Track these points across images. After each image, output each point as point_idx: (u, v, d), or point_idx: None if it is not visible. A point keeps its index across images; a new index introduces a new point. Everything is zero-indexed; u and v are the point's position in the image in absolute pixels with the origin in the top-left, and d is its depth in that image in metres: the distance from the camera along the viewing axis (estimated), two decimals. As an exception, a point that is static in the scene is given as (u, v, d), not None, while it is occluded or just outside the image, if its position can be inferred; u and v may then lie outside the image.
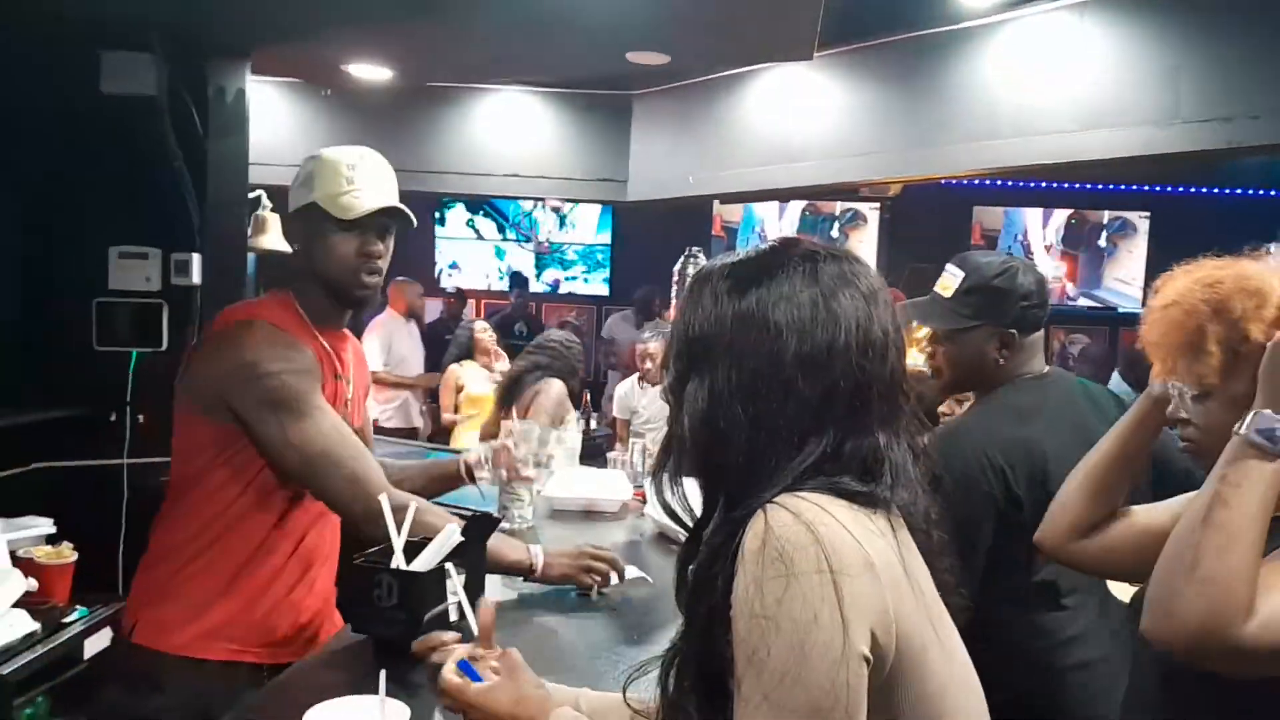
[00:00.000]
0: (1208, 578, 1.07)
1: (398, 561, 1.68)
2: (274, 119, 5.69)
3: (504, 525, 2.53)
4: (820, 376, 0.91)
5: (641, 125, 6.09)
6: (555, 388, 4.18)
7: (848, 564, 0.81)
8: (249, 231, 3.89)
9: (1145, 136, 4.01)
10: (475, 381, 5.53)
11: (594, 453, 4.12)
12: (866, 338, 0.93)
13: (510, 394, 4.26)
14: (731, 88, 5.61)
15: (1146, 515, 1.53)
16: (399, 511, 1.71)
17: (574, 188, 6.21)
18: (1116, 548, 1.51)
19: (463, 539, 1.70)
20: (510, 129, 6.09)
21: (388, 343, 6.28)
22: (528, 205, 9.05)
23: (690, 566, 0.96)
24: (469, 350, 5.67)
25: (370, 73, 4.84)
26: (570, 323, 7.76)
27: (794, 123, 5.34)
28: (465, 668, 1.16)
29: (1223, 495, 1.12)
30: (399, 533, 1.70)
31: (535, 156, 6.09)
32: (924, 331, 2.26)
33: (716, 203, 7.80)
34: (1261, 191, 7.83)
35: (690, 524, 1.00)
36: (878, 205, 7.84)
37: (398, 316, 6.50)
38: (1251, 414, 1.14)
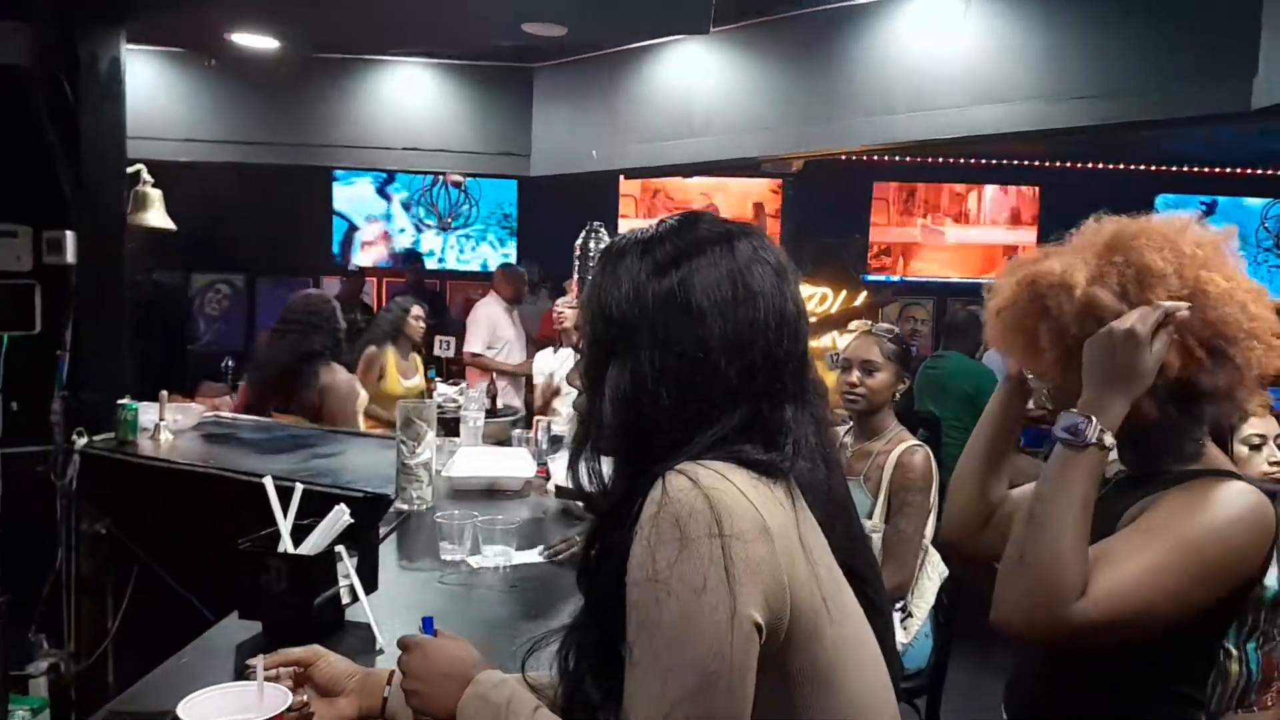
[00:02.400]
0: (1032, 564, 1.16)
1: (285, 545, 1.63)
2: (154, 90, 5.43)
3: (401, 506, 2.48)
4: (741, 355, 0.91)
5: (544, 99, 6.01)
6: (339, 376, 3.81)
7: (742, 529, 0.82)
8: (128, 208, 3.70)
9: (1033, 112, 4.13)
10: (394, 375, 5.08)
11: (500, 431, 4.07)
12: (781, 315, 0.94)
13: (285, 391, 3.78)
14: (633, 62, 5.58)
15: (1022, 496, 1.56)
16: (284, 494, 1.66)
17: (475, 162, 6.11)
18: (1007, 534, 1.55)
19: (352, 521, 1.66)
20: (408, 102, 5.94)
21: (492, 328, 6.07)
22: (435, 180, 8.86)
23: (595, 540, 0.96)
24: (395, 332, 5.18)
25: (255, 41, 4.65)
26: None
27: (696, 98, 5.35)
28: (428, 624, 1.19)
29: (1040, 490, 1.21)
30: (285, 516, 1.64)
31: (434, 130, 5.96)
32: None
33: (622, 177, 7.78)
34: (1142, 166, 8.19)
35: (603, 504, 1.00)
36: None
37: (501, 302, 6.22)
38: (1061, 414, 1.22)
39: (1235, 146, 7.09)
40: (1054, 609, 1.13)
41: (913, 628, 2.66)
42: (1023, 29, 4.23)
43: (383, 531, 2.22)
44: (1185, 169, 8.16)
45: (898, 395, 2.85)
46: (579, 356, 1.02)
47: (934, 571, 2.73)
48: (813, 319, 7.08)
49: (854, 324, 3.14)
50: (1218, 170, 8.22)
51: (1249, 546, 1.20)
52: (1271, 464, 2.02)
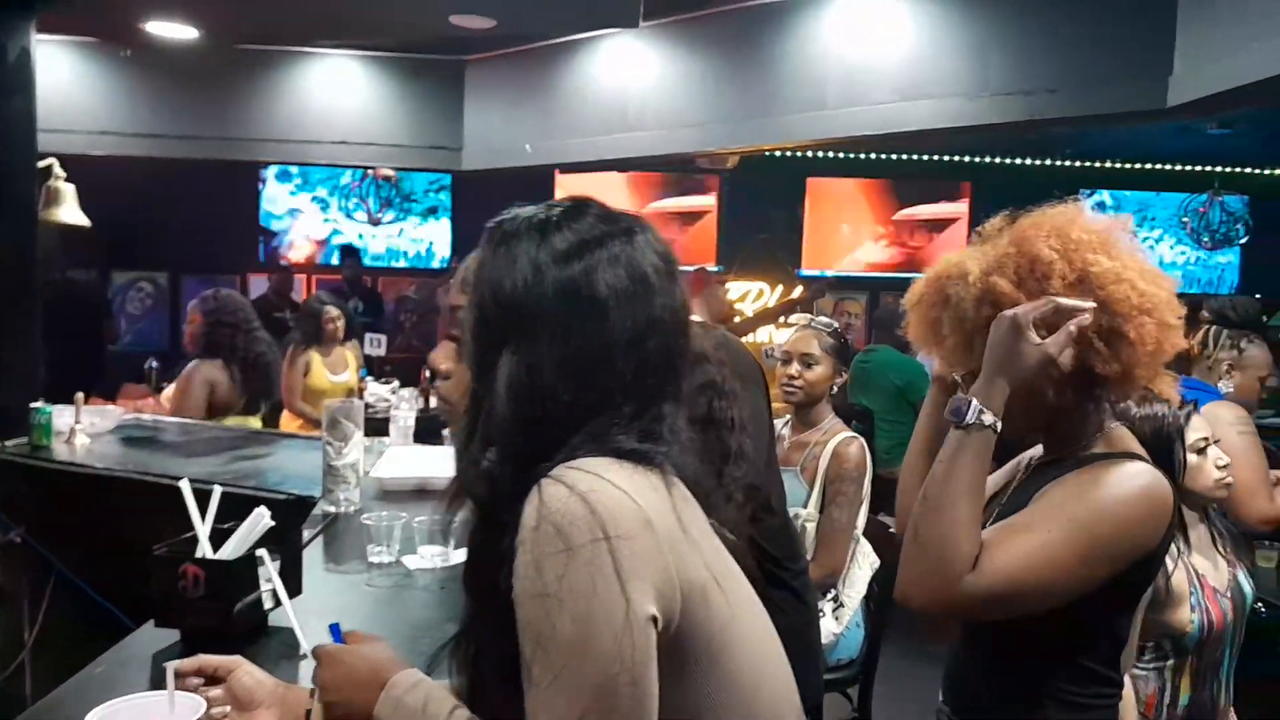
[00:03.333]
0: (925, 542, 1.23)
1: (203, 550, 1.58)
2: (66, 82, 5.25)
3: (328, 509, 2.43)
4: (638, 350, 0.90)
5: (476, 92, 5.95)
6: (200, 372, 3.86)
7: (625, 527, 0.81)
8: (40, 204, 3.56)
9: (957, 108, 4.21)
10: (320, 371, 4.87)
11: (434, 429, 4.02)
12: (673, 310, 0.93)
13: None
14: (566, 55, 5.55)
15: None
16: (204, 498, 1.61)
17: (406, 155, 6.03)
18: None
19: (274, 524, 1.61)
20: (336, 95, 5.83)
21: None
22: (365, 174, 8.70)
23: (482, 540, 0.92)
24: (315, 331, 4.93)
25: (173, 31, 4.51)
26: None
27: (630, 92, 5.34)
28: (335, 631, 1.16)
29: (933, 472, 1.27)
30: (204, 520, 1.59)
31: (363, 123, 5.87)
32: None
33: (558, 173, 7.74)
34: (1069, 162, 8.40)
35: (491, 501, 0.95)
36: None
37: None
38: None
39: (1157, 142, 7.31)
40: (946, 583, 1.20)
41: (844, 617, 2.69)
42: (949, 27, 4.31)
43: (309, 535, 2.17)
44: (1110, 164, 8.40)
45: (835, 388, 2.90)
46: (458, 337, 0.97)
47: (865, 561, 2.77)
48: (750, 314, 7.14)
49: (795, 317, 3.17)
50: (1141, 166, 8.48)
51: (1141, 524, 1.25)
52: (1220, 467, 1.99)
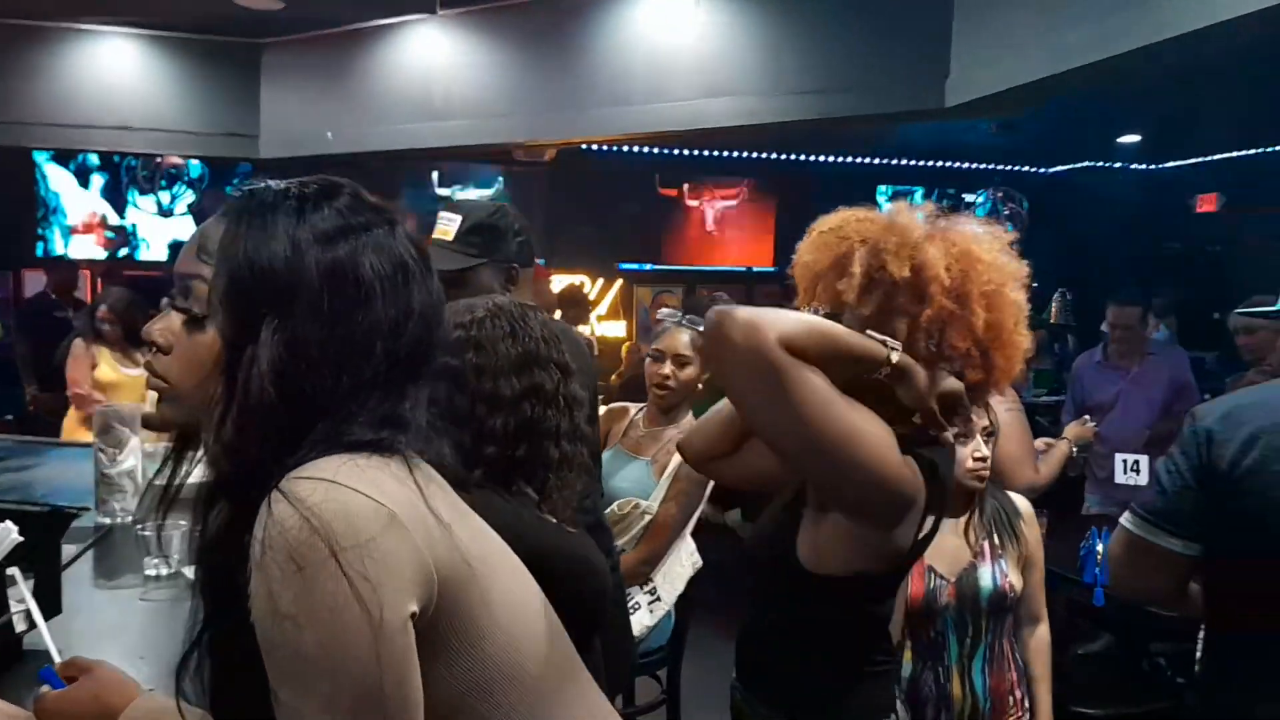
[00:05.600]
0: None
1: (-60, 573, 1.43)
2: None
3: (102, 520, 2.26)
4: (396, 339, 0.88)
5: (273, 77, 5.68)
6: None
7: (364, 533, 0.78)
8: None
9: (755, 106, 4.37)
10: (109, 364, 4.51)
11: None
12: (428, 301, 0.92)
13: None
14: (369, 42, 5.38)
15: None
16: None
17: (197, 143, 5.68)
18: (752, 463, 1.57)
19: (22, 539, 1.48)
20: (116, 76, 5.42)
21: None
22: (152, 162, 8.10)
23: (221, 543, 0.87)
24: (94, 328, 4.53)
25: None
26: None
27: (435, 81, 5.24)
28: (47, 675, 1.08)
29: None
30: (-58, 539, 1.44)
31: (148, 107, 5.48)
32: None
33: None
34: (866, 159, 8.86)
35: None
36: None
37: None
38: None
39: (947, 141, 7.82)
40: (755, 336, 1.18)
41: (659, 611, 2.71)
42: (746, 26, 4.45)
43: (76, 549, 2.01)
44: (904, 162, 8.91)
45: (700, 386, 2.89)
46: (187, 308, 0.89)
47: (688, 560, 2.80)
48: (578, 307, 7.16)
49: (664, 311, 3.15)
50: (933, 164, 9.04)
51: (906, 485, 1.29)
52: (976, 460, 2.02)
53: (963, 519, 2.02)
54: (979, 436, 2.02)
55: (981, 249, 1.35)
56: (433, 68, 5.23)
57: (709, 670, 2.88)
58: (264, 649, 0.77)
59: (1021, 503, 2.15)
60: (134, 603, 1.81)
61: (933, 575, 1.95)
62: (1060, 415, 4.30)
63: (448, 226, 2.02)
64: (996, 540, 2.03)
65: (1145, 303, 4.19)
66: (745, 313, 1.20)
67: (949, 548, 1.98)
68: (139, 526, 2.03)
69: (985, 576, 1.98)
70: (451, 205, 2.06)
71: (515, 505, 1.39)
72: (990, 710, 1.97)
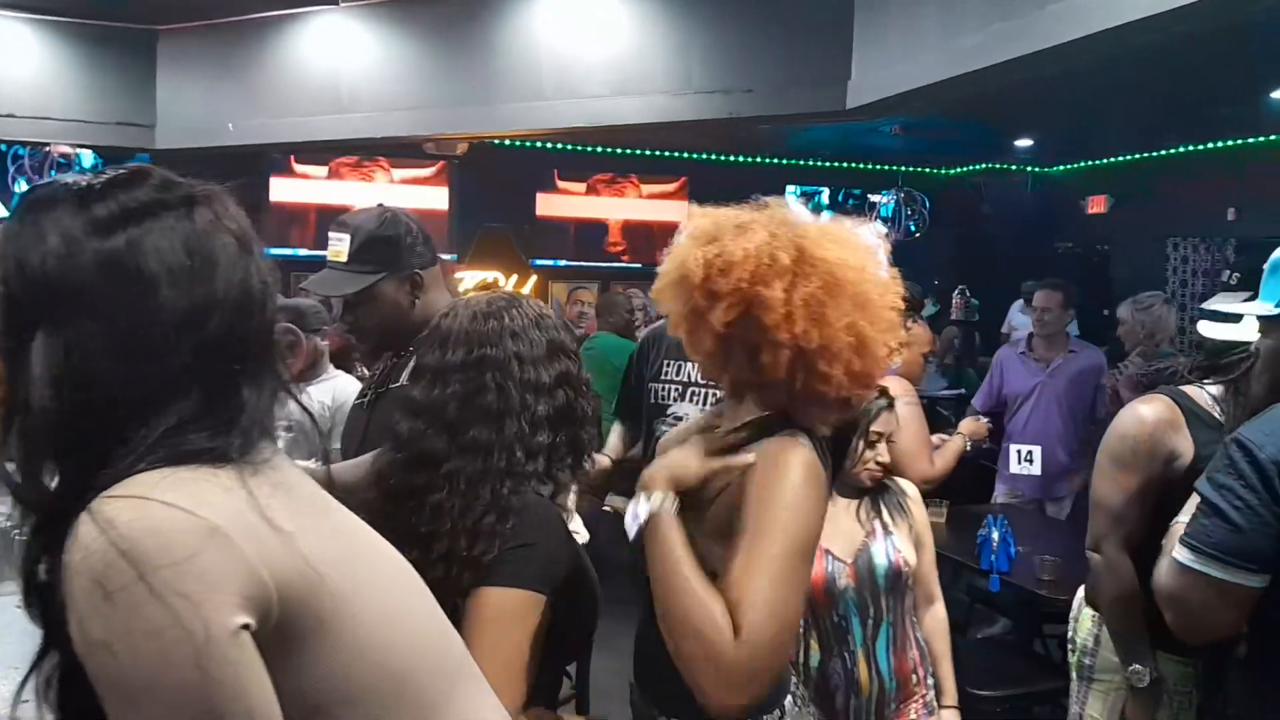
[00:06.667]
0: (683, 644, 1.22)
1: None
2: None
3: (-19, 524, 2.16)
4: (196, 333, 0.82)
5: (171, 65, 5.49)
6: None
7: (180, 550, 0.75)
8: None
9: (665, 104, 4.41)
10: None
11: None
12: (244, 289, 0.86)
13: None
14: (272, 32, 5.24)
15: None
16: None
17: (88, 132, 5.45)
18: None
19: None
20: (3, 61, 5.18)
21: None
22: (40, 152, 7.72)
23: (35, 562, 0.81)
24: None
25: None
26: None
27: (342, 73, 5.14)
28: None
29: (650, 576, 1.27)
30: None
31: (37, 94, 5.26)
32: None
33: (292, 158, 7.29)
34: (775, 160, 9.00)
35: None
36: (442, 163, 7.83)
37: None
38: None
39: (854, 143, 7.99)
40: (722, 669, 1.17)
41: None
42: (657, 25, 4.49)
43: (-49, 555, 1.92)
44: (813, 163, 9.07)
45: None
46: None
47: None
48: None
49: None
50: (840, 164, 9.22)
51: (819, 501, 1.29)
52: (878, 463, 2.06)
53: (855, 501, 2.08)
54: (883, 443, 2.07)
55: (838, 267, 1.28)
56: (339, 59, 5.13)
57: (619, 665, 2.91)
58: (93, 678, 0.75)
59: (907, 485, 2.22)
60: (11, 610, 1.73)
61: (830, 558, 1.99)
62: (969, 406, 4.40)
63: (339, 247, 1.94)
64: (887, 517, 2.08)
65: (1068, 291, 4.20)
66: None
67: (844, 529, 2.02)
68: (15, 531, 1.95)
69: (879, 554, 2.02)
70: (338, 224, 1.98)
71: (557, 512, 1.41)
72: (896, 691, 2.00)
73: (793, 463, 1.26)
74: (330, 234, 1.98)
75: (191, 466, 0.80)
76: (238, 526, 0.78)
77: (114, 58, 5.37)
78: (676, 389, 2.91)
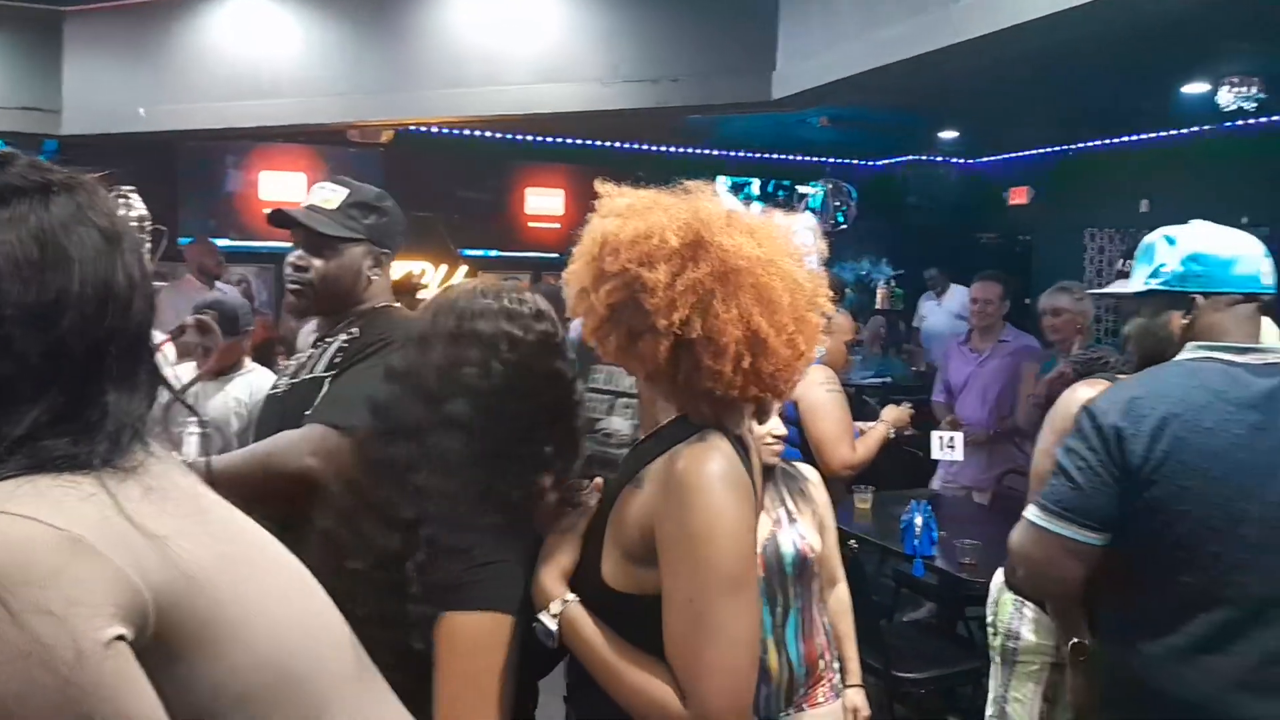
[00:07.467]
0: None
1: None
2: None
3: None
4: (46, 331, 0.77)
5: (78, 48, 5.28)
6: None
7: (41, 566, 0.71)
8: None
9: (590, 93, 4.38)
10: None
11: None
12: (106, 286, 0.81)
13: None
14: (186, 14, 5.08)
15: None
16: None
17: (-14, 116, 5.22)
18: None
19: None
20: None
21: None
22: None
23: None
24: None
25: None
26: None
27: (262, 58, 4.99)
28: None
29: (585, 665, 1.24)
30: None
31: (-70, 77, 5.00)
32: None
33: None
34: (705, 150, 9.02)
35: None
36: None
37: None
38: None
39: (783, 134, 8.05)
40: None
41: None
42: (584, 13, 4.45)
43: None
44: (742, 154, 9.12)
45: None
46: None
47: None
48: (419, 295, 6.97)
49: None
50: (769, 156, 9.29)
51: (742, 517, 1.21)
52: (775, 436, 2.03)
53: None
54: (775, 415, 2.02)
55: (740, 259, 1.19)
56: (258, 43, 4.98)
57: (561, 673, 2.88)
58: None
59: (808, 470, 2.23)
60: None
61: None
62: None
63: (330, 196, 1.94)
64: (791, 505, 2.08)
65: (1006, 282, 4.28)
66: None
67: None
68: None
69: (786, 542, 2.02)
70: (336, 179, 1.99)
71: None
72: (805, 677, 2.01)
73: (705, 479, 1.16)
74: (323, 184, 1.98)
75: (51, 475, 0.75)
76: (103, 535, 0.74)
77: (17, 40, 5.15)
78: (605, 401, 2.79)
